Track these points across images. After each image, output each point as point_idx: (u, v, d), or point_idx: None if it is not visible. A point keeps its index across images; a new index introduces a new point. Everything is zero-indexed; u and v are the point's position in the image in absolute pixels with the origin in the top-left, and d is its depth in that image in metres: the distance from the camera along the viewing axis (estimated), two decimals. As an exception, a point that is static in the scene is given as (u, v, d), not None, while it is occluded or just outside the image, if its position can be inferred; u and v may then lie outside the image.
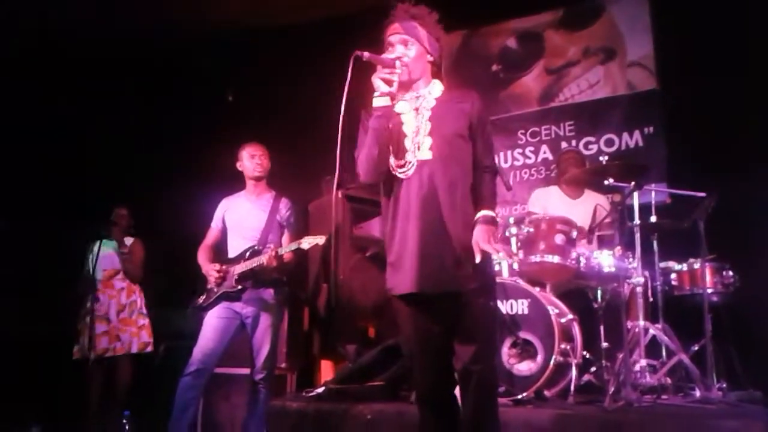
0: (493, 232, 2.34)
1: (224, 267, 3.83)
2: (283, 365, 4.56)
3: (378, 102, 2.37)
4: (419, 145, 2.41)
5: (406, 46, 2.45)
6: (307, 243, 3.65)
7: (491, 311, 2.45)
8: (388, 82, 2.35)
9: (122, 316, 4.73)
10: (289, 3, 6.03)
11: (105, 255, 4.77)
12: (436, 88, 2.53)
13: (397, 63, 2.38)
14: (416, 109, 2.47)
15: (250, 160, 3.97)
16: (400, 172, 2.41)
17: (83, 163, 6.31)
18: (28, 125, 6.17)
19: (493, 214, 2.38)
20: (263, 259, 3.69)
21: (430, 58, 2.51)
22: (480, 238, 2.31)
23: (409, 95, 2.50)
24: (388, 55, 2.40)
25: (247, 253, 3.82)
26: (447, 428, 2.42)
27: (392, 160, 2.42)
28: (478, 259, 2.29)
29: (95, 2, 5.78)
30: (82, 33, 6.10)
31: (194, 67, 6.45)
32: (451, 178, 2.39)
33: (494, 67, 5.87)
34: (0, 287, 5.41)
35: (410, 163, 2.40)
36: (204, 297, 3.88)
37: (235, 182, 4.11)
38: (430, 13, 2.51)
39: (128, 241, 4.90)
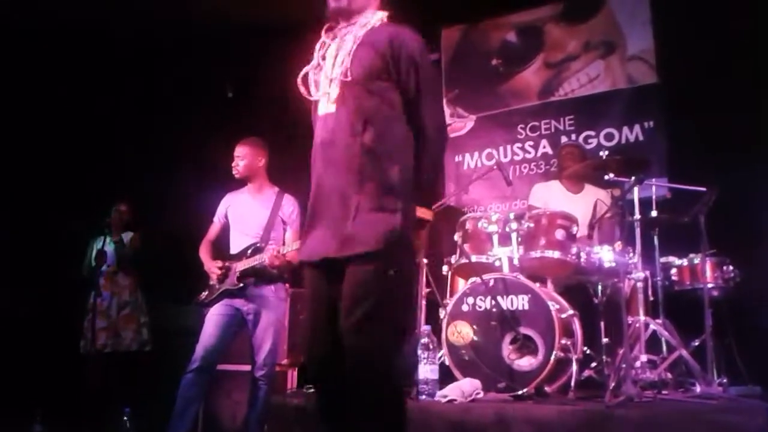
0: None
1: (226, 264, 3.83)
2: (284, 361, 4.56)
3: None
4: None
5: None
6: None
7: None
8: None
9: (123, 313, 4.72)
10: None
11: (109, 251, 4.78)
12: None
13: None
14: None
15: (233, 161, 3.93)
16: None
17: (85, 158, 6.30)
18: (31, 120, 6.16)
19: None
20: (265, 257, 3.69)
21: None
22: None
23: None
24: None
25: (249, 251, 3.81)
26: None
27: None
28: None
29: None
30: (86, 27, 6.06)
31: (199, 61, 6.42)
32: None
33: (494, 62, 5.86)
34: (3, 280, 5.42)
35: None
36: (206, 293, 3.88)
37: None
38: None
39: (128, 235, 4.90)
